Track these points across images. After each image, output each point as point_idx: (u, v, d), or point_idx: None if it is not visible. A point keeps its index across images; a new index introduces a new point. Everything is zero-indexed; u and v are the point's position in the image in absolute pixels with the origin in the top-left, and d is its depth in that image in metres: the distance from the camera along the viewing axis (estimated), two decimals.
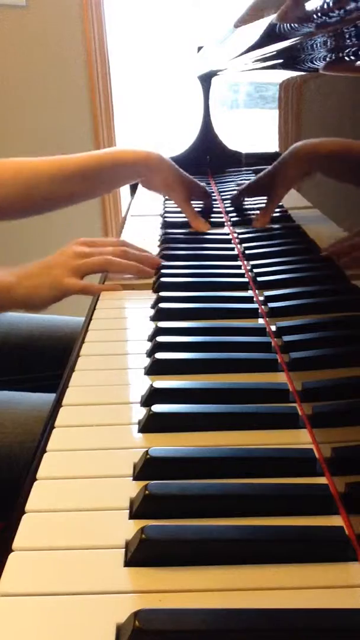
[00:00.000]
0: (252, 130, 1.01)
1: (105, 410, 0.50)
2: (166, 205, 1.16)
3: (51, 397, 0.54)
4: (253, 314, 0.66)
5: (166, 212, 1.12)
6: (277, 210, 0.89)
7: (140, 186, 1.41)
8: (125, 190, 1.85)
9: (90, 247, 0.79)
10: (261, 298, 0.69)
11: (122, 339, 0.64)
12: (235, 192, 1.08)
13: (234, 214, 1.04)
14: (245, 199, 1.04)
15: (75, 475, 0.42)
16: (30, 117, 2.18)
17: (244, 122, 1.09)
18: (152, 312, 0.69)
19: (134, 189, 1.45)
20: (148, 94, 2.44)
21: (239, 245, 0.89)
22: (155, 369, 0.55)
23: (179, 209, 1.13)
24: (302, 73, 0.65)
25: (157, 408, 0.47)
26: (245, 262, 0.81)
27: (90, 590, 0.33)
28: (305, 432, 0.46)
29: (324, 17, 0.43)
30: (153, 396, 0.50)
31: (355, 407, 0.44)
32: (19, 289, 0.74)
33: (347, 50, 0.46)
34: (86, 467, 0.43)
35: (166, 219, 1.07)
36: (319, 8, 0.42)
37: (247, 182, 1.01)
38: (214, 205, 1.15)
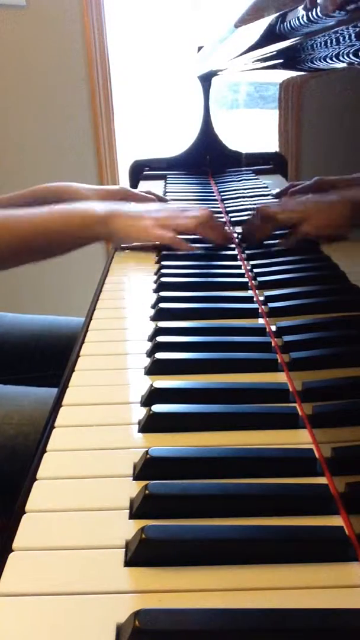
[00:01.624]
0: (252, 130, 1.01)
1: (105, 410, 0.50)
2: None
3: (56, 391, 0.54)
4: (253, 314, 0.66)
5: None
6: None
7: (140, 184, 1.40)
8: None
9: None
10: (261, 298, 0.69)
11: (122, 339, 0.64)
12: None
13: (234, 214, 1.04)
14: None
15: (75, 475, 0.42)
16: (30, 117, 2.18)
17: (244, 122, 1.09)
18: (152, 312, 0.69)
19: (134, 188, 1.45)
20: (148, 94, 2.44)
21: (239, 245, 0.89)
22: (155, 369, 0.55)
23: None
24: (302, 73, 0.65)
25: (157, 408, 0.47)
26: (245, 262, 0.81)
27: (90, 590, 0.33)
28: (305, 432, 0.46)
29: (324, 17, 0.43)
30: (153, 396, 0.50)
31: (355, 407, 0.44)
32: (108, 223, 0.83)
33: (347, 50, 0.46)
34: (86, 467, 0.43)
35: None
36: (319, 8, 0.42)
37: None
38: (211, 205, 1.16)
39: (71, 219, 0.83)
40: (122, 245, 0.93)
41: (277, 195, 0.76)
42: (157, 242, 0.87)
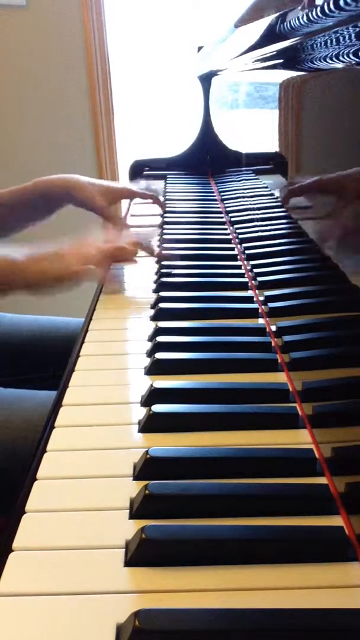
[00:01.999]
0: (252, 130, 1.01)
1: (105, 410, 0.50)
2: (166, 205, 1.16)
3: (55, 393, 0.54)
4: (253, 314, 0.66)
5: (166, 211, 1.12)
6: (278, 210, 0.89)
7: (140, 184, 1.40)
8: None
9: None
10: (261, 298, 0.69)
11: (122, 339, 0.64)
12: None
13: (234, 214, 1.04)
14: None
15: (75, 475, 0.42)
16: (30, 117, 2.18)
17: (244, 122, 1.09)
18: (152, 312, 0.69)
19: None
20: (148, 94, 2.44)
21: (239, 245, 0.89)
22: (155, 369, 0.55)
23: (179, 209, 1.13)
24: (302, 73, 0.65)
25: (157, 408, 0.47)
26: (245, 262, 0.81)
27: (90, 590, 0.33)
28: (305, 432, 0.46)
29: (324, 17, 0.43)
30: (153, 396, 0.50)
31: (355, 407, 0.44)
32: (28, 270, 0.73)
33: (347, 50, 0.46)
34: (86, 467, 0.43)
35: (166, 219, 1.07)
36: (319, 8, 0.42)
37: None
38: (211, 205, 1.16)
39: None
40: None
41: (283, 200, 0.74)
42: (82, 282, 0.75)
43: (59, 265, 0.74)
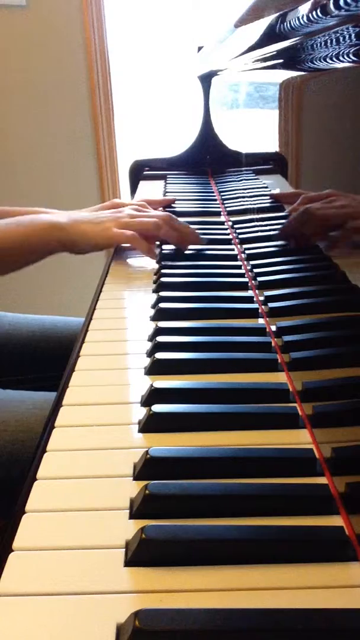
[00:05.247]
0: (252, 130, 1.01)
1: (105, 410, 0.50)
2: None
3: (53, 396, 0.54)
4: (253, 314, 0.66)
5: (166, 211, 1.12)
6: (278, 210, 0.89)
7: (140, 184, 1.40)
8: (125, 189, 1.84)
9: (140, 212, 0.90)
10: (261, 298, 0.69)
11: (122, 339, 0.64)
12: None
13: (234, 214, 1.04)
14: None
15: (75, 475, 0.42)
16: (29, 117, 2.18)
17: (244, 122, 1.09)
18: (152, 312, 0.69)
19: (134, 188, 1.45)
20: (148, 94, 2.44)
21: (239, 245, 0.89)
22: (155, 369, 0.55)
23: (180, 208, 1.13)
24: (302, 73, 0.65)
25: (157, 408, 0.47)
26: (245, 262, 0.81)
27: (90, 590, 0.33)
28: (305, 432, 0.46)
29: (324, 17, 0.43)
30: (153, 396, 0.50)
31: (355, 407, 0.44)
32: (70, 230, 0.82)
33: (347, 50, 0.46)
34: (86, 467, 0.43)
35: None
36: (319, 8, 0.42)
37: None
38: (211, 205, 1.16)
39: (36, 228, 0.82)
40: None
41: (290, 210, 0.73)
42: (116, 244, 0.88)
43: (99, 228, 0.84)
